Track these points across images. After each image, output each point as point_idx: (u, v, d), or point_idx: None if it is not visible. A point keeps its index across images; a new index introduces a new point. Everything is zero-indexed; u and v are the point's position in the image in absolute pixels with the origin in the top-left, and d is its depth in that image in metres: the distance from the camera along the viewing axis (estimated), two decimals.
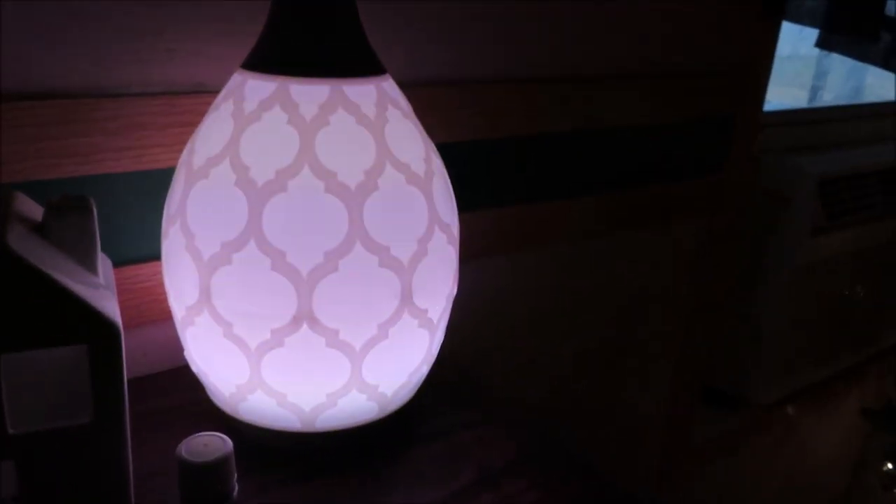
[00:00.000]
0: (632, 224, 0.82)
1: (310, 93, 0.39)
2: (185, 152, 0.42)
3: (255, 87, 0.39)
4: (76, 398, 0.34)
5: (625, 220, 0.80)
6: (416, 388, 0.47)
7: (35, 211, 0.37)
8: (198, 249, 0.39)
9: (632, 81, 0.76)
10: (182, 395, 0.50)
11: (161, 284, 0.45)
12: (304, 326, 0.38)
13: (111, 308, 0.34)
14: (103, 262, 0.40)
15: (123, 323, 0.52)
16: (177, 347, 0.44)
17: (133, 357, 0.52)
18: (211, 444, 0.35)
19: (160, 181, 0.49)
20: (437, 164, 0.43)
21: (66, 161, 0.46)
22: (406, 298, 0.40)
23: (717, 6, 0.81)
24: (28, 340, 0.32)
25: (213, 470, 0.34)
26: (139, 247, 0.50)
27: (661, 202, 0.83)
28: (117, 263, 0.49)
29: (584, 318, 0.82)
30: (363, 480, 0.43)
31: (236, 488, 0.36)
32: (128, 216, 0.50)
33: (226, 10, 0.50)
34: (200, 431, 0.38)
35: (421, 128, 0.43)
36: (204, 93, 0.50)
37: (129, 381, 0.52)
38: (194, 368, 0.44)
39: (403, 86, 0.44)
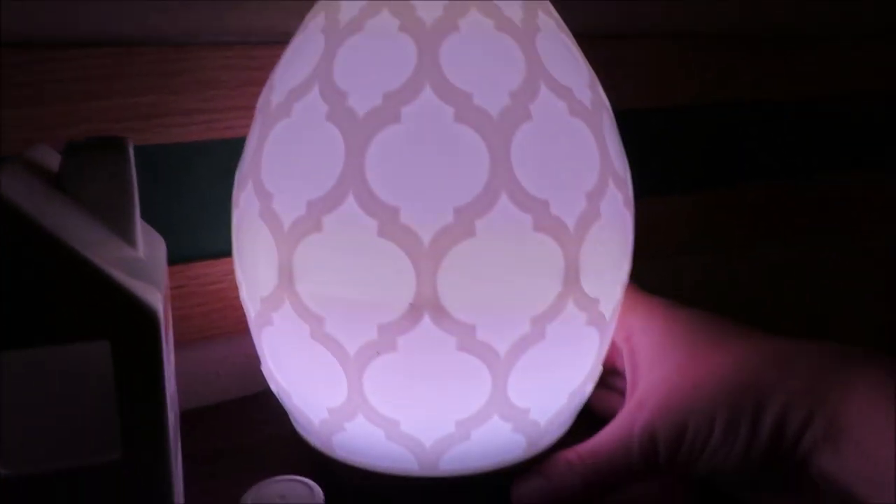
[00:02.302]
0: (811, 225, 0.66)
1: None
2: (262, 95, 0.31)
3: None
4: (100, 425, 0.23)
5: (801, 220, 0.65)
6: (575, 415, 0.33)
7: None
8: (276, 214, 0.28)
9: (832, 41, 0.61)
10: (264, 429, 0.39)
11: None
12: (426, 319, 0.26)
13: (149, 293, 0.23)
14: (151, 239, 0.29)
15: (188, 335, 0.43)
16: (258, 366, 0.33)
17: (201, 380, 0.42)
18: (291, 495, 0.23)
19: (236, 153, 0.38)
20: (605, 98, 0.31)
21: (119, 125, 0.37)
22: (571, 280, 0.27)
23: None
24: (27, 333, 0.21)
25: None
26: (210, 238, 0.40)
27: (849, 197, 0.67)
28: (181, 259, 0.39)
29: None
30: None
31: None
32: (195, 197, 0.39)
33: None
34: (280, 475, 0.26)
35: (580, 50, 0.31)
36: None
37: (196, 410, 0.42)
38: (274, 388, 0.33)
39: None
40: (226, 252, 0.39)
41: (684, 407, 0.29)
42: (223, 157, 0.39)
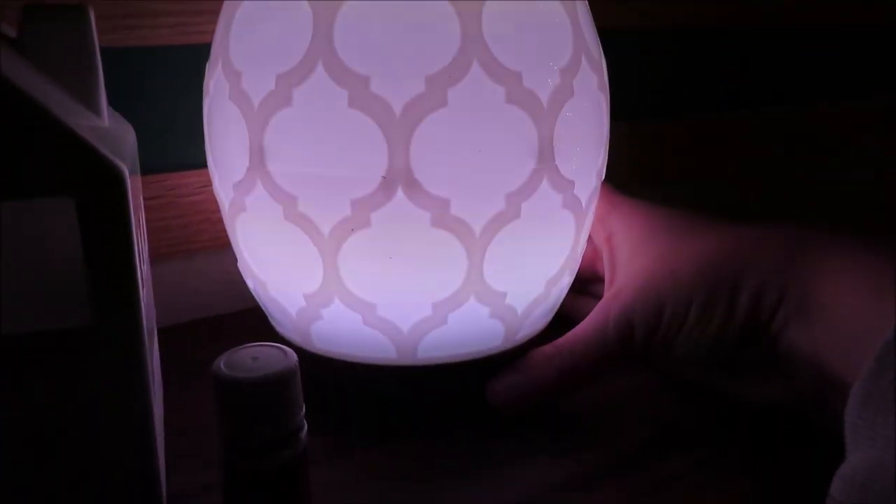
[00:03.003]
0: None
1: None
2: None
3: None
4: (68, 289, 0.23)
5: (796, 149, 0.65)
6: (554, 309, 0.33)
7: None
8: (245, 94, 0.27)
9: None
10: (244, 338, 0.39)
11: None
12: (399, 193, 0.26)
13: (115, 154, 0.22)
14: (119, 121, 0.28)
15: (166, 248, 0.42)
16: (239, 281, 0.33)
17: (180, 295, 0.41)
18: (264, 357, 0.23)
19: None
20: None
21: None
22: (545, 157, 0.27)
23: None
24: None
25: (265, 391, 0.22)
26: (187, 148, 0.40)
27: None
28: (157, 169, 0.39)
29: None
30: (481, 438, 0.30)
31: (304, 427, 0.23)
32: (169, 105, 0.39)
33: None
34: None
35: None
36: None
37: (175, 326, 0.42)
38: (251, 284, 0.32)
39: None
40: (204, 163, 0.39)
41: (661, 291, 0.29)
42: (194, 63, 0.38)
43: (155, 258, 0.40)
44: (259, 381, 0.22)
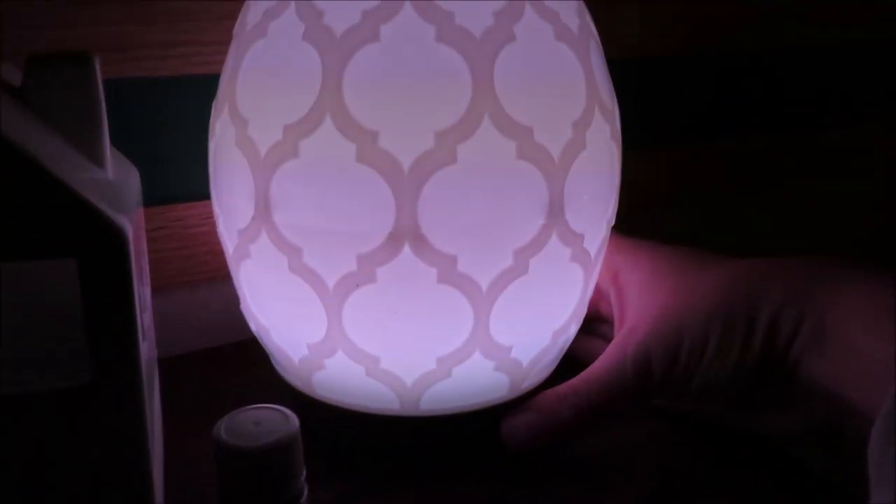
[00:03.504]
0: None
1: None
2: (238, 18, 0.30)
3: None
4: (69, 349, 0.23)
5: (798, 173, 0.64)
6: (559, 357, 0.33)
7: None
8: (251, 141, 0.27)
9: None
10: (246, 373, 0.38)
11: None
12: (406, 250, 0.25)
13: (117, 213, 0.22)
14: (122, 166, 0.28)
15: (168, 279, 0.42)
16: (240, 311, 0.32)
17: (182, 326, 0.41)
18: (266, 421, 0.22)
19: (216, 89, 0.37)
20: (593, 27, 0.30)
21: None
22: (555, 213, 0.27)
23: None
24: None
25: (267, 459, 0.21)
26: (191, 178, 0.39)
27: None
28: (161, 200, 0.38)
29: None
30: (486, 487, 0.29)
31: (305, 492, 0.23)
32: (174, 135, 0.38)
33: None
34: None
35: None
36: None
37: (177, 357, 0.42)
38: (254, 327, 0.32)
39: None
40: (208, 194, 0.39)
41: (678, 325, 0.29)
42: (202, 94, 0.38)
43: (158, 289, 0.40)
44: (261, 450, 0.21)
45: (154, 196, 0.38)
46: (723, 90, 0.57)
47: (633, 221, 0.35)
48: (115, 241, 0.21)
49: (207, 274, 0.41)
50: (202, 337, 0.41)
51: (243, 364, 0.39)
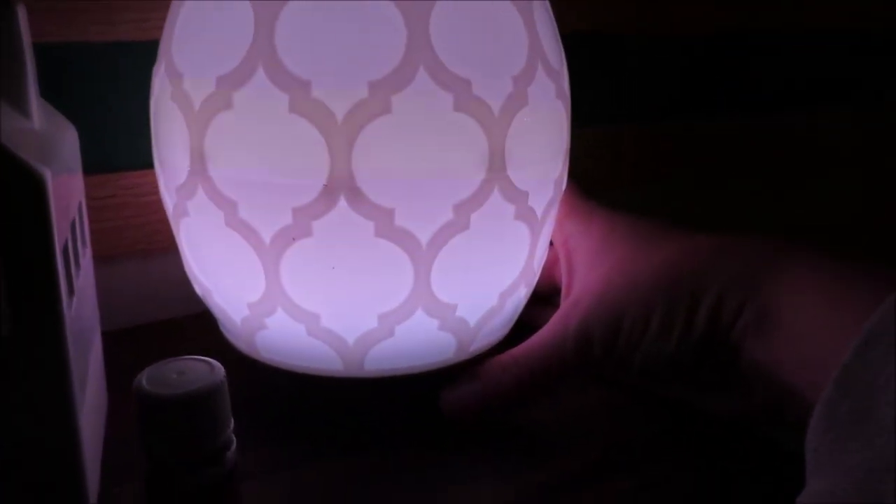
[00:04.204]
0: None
1: None
2: None
3: None
4: None
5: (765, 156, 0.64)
6: (510, 323, 0.33)
7: None
8: (186, 95, 0.26)
9: None
10: (197, 343, 0.38)
11: None
12: (342, 202, 0.25)
13: (38, 158, 0.21)
14: (55, 120, 0.28)
15: (122, 248, 0.41)
16: None
17: (140, 296, 0.40)
18: (190, 372, 0.22)
19: None
20: None
21: (43, 18, 0.35)
22: (496, 167, 0.26)
23: None
24: None
25: (188, 407, 0.21)
26: (144, 146, 0.38)
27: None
28: (113, 167, 0.38)
29: None
30: (427, 455, 0.29)
31: (233, 444, 0.22)
32: (127, 102, 0.38)
33: None
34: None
35: None
36: None
37: (132, 328, 0.41)
38: (198, 289, 0.32)
39: None
40: None
41: (620, 301, 0.29)
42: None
43: (110, 257, 0.39)
44: (180, 398, 0.21)
45: (107, 164, 0.38)
46: (688, 70, 0.57)
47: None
48: (32, 186, 0.21)
49: (161, 243, 0.40)
50: (158, 308, 0.41)
51: (199, 335, 0.39)
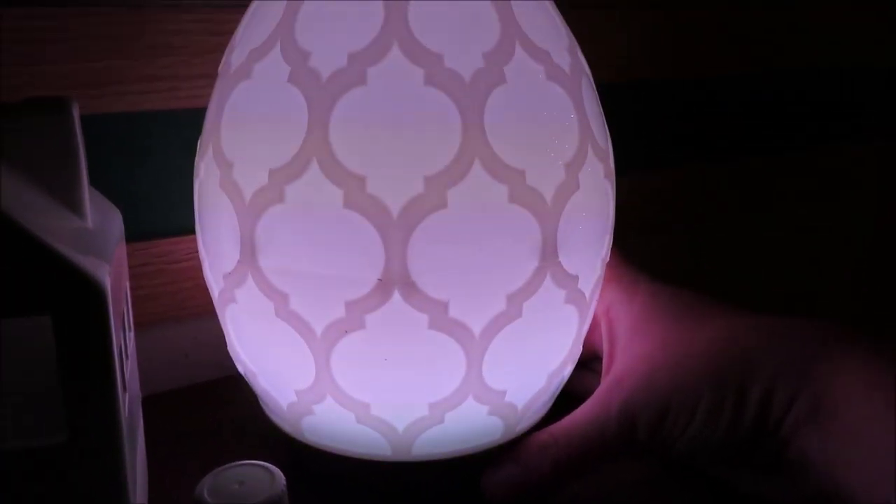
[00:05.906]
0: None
1: None
2: (223, 58, 0.29)
3: None
4: (45, 407, 0.22)
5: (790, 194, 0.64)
6: (553, 398, 0.32)
7: None
8: (236, 185, 0.26)
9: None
10: (234, 412, 0.37)
11: None
12: (396, 296, 0.25)
13: (95, 265, 0.21)
14: (103, 210, 0.27)
15: (155, 316, 0.41)
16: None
17: (169, 362, 0.40)
18: (251, 480, 0.21)
19: (201, 123, 0.37)
20: (585, 64, 0.29)
21: (72, 92, 0.35)
22: (548, 255, 0.26)
23: None
24: None
25: None
26: (176, 213, 0.38)
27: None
28: (146, 235, 0.37)
29: None
30: None
31: None
32: (159, 170, 0.38)
33: None
34: (245, 459, 0.25)
35: (560, 15, 0.30)
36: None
37: (164, 393, 0.41)
38: (241, 370, 0.31)
39: None
40: (193, 228, 0.38)
41: (666, 386, 0.28)
42: (187, 128, 0.37)
43: (145, 325, 0.39)
44: None
45: (138, 232, 0.38)
46: (712, 112, 0.57)
47: (621, 245, 0.34)
48: (91, 296, 0.20)
49: (195, 309, 0.40)
50: (192, 373, 0.40)
51: (235, 400, 0.38)
